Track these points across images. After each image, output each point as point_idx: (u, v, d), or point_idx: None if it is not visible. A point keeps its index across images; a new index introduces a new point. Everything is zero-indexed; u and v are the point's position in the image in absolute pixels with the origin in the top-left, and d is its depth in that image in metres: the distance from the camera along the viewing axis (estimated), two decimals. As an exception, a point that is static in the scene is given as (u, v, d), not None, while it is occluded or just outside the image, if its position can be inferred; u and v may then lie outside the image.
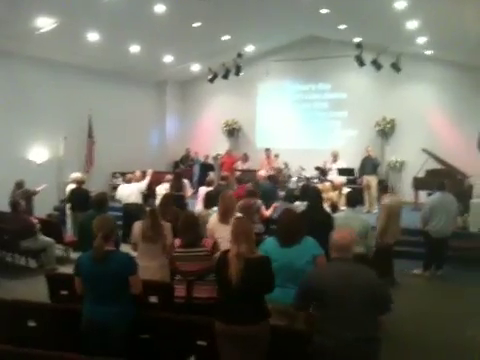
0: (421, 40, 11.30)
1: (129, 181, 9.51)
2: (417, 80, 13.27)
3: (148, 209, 5.29)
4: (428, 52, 12.40)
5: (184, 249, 4.38)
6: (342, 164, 11.89)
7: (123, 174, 9.99)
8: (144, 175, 9.64)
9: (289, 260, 3.96)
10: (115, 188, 10.24)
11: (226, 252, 3.62)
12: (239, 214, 5.51)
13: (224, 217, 5.41)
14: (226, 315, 3.51)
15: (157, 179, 9.90)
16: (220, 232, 5.20)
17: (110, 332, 3.70)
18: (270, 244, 4.21)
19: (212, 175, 13.62)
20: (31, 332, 4.15)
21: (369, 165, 11.85)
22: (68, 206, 9.35)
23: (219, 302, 3.73)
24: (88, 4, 9.01)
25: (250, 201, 6.94)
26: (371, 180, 11.65)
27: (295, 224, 4.16)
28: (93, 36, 10.59)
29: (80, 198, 8.87)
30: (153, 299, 4.53)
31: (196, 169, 15.01)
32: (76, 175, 9.63)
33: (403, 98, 13.39)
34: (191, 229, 4.42)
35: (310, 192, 6.12)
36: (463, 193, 10.94)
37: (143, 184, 9.42)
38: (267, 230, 7.20)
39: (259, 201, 7.06)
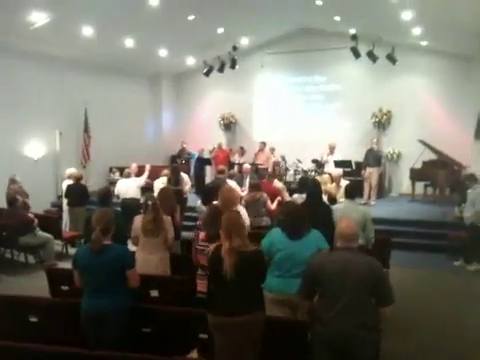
0: (416, 31, 11.23)
1: (128, 176, 9.48)
2: (413, 71, 13.25)
3: (150, 203, 5.26)
4: (423, 43, 12.36)
5: (207, 243, 4.22)
6: (339, 156, 11.88)
7: (120, 169, 9.95)
8: (141, 169, 9.61)
9: (294, 251, 3.96)
10: (113, 183, 10.19)
11: (219, 246, 3.57)
12: (241, 208, 5.49)
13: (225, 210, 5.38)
14: (219, 307, 3.50)
15: (154, 173, 9.87)
16: None
17: (107, 324, 3.71)
18: (277, 234, 4.21)
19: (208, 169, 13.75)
20: (33, 327, 4.16)
21: (371, 157, 11.93)
22: (65, 202, 9.31)
23: (210, 295, 3.71)
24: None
25: (256, 194, 7.02)
26: (372, 172, 11.76)
27: (300, 217, 4.15)
28: (87, 30, 10.52)
29: (77, 194, 8.87)
30: (154, 293, 4.53)
31: (192, 163, 14.89)
32: (72, 171, 9.59)
33: (399, 89, 13.35)
34: (214, 223, 4.19)
35: (309, 184, 6.09)
36: (459, 183, 10.98)
37: (141, 180, 9.39)
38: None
39: (265, 194, 7.07)
